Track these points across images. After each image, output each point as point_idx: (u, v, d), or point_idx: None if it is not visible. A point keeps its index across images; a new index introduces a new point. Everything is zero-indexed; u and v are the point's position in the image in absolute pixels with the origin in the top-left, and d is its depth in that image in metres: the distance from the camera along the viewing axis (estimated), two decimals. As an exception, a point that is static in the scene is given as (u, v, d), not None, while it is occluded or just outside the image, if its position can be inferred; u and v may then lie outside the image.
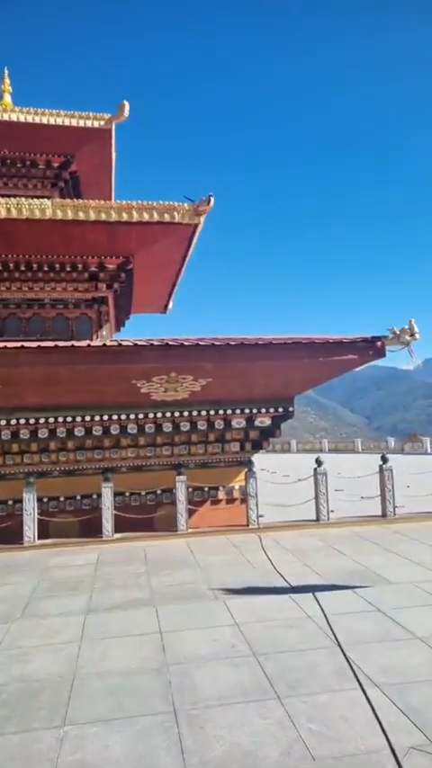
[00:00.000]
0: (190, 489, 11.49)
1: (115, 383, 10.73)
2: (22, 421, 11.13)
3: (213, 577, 7.83)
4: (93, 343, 10.89)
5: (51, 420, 11.22)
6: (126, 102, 15.36)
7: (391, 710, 4.08)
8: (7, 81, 17.32)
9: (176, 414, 11.69)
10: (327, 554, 9.04)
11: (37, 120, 14.95)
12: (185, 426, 11.91)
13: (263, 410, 12.11)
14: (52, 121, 14.96)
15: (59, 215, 12.57)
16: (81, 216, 12.67)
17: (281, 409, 12.21)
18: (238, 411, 12.00)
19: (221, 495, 12.35)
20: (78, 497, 11.71)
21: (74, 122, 15.08)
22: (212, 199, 13.10)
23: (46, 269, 14.47)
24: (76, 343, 10.29)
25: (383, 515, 11.85)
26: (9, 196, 13.24)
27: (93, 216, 12.69)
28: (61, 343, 10.23)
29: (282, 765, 3.52)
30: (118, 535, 10.69)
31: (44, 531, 10.84)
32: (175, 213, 13.05)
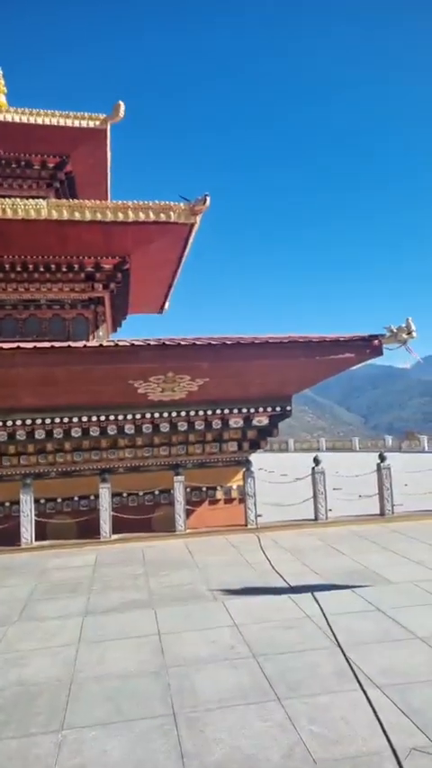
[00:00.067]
0: (188, 489, 11.46)
1: (112, 383, 10.68)
2: (19, 422, 11.07)
3: (212, 578, 7.79)
4: (89, 344, 10.84)
5: (48, 421, 11.16)
6: (121, 103, 15.31)
7: (392, 711, 4.05)
8: (1, 81, 17.22)
9: (174, 414, 11.65)
10: (325, 553, 9.01)
11: (32, 120, 14.90)
12: (183, 426, 11.87)
13: (260, 409, 12.08)
14: (47, 122, 14.91)
15: (55, 215, 12.52)
16: (77, 216, 12.62)
17: (278, 408, 12.18)
18: (235, 410, 11.96)
19: (219, 494, 12.32)
20: (76, 498, 11.66)
21: (69, 123, 15.03)
22: (208, 198, 13.07)
23: (42, 269, 14.40)
24: (72, 344, 10.24)
25: (382, 514, 11.84)
26: (4, 197, 13.18)
27: (88, 216, 12.65)
28: (57, 344, 10.18)
29: (282, 768, 3.48)
30: (116, 536, 10.65)
31: (41, 533, 10.79)
32: (171, 213, 13.00)
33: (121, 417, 11.43)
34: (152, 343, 10.28)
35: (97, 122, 15.16)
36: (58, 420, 11.19)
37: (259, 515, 11.54)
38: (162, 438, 12.00)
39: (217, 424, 12.03)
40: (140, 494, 11.88)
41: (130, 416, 11.47)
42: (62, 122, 14.96)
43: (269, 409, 12.14)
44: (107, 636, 5.82)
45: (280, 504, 12.43)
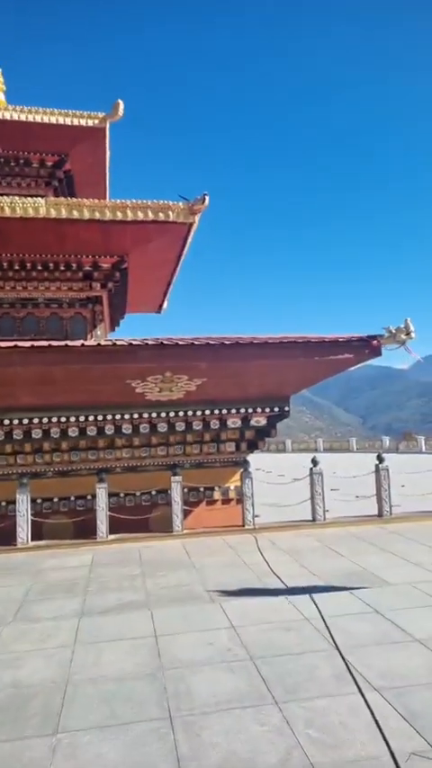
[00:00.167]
0: (185, 490, 11.42)
1: (110, 383, 10.64)
2: (16, 421, 11.01)
3: (209, 579, 7.75)
4: (87, 343, 10.79)
5: (45, 420, 11.11)
6: (120, 101, 15.27)
7: (390, 715, 4.01)
8: (1, 79, 17.19)
9: (171, 414, 11.60)
10: (323, 555, 8.97)
11: (30, 118, 14.84)
12: (180, 426, 11.82)
13: (258, 410, 12.04)
14: (46, 120, 14.85)
15: (53, 213, 12.47)
16: (75, 214, 12.58)
17: (276, 409, 12.14)
18: (233, 411, 11.92)
19: (217, 495, 12.28)
20: (72, 498, 11.61)
21: (68, 121, 14.98)
22: (207, 198, 13.04)
23: (40, 268, 14.36)
24: (69, 343, 10.20)
25: (380, 515, 11.80)
26: (3, 195, 13.13)
27: (87, 215, 12.61)
28: (55, 343, 10.14)
29: (280, 773, 3.44)
30: (113, 536, 10.59)
31: (38, 533, 10.73)
32: (170, 212, 12.97)
33: (118, 417, 11.38)
34: (150, 342, 10.24)
35: (96, 121, 15.11)
36: (55, 419, 11.13)
37: (257, 516, 11.50)
38: (159, 438, 11.95)
39: (215, 424, 11.99)
40: (138, 494, 11.83)
41: (127, 416, 11.42)
42: (61, 121, 14.91)
43: (267, 410, 12.10)
44: (103, 637, 5.77)
45: (277, 505, 12.40)
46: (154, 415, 11.55)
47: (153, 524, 11.28)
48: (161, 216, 12.96)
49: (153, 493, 11.84)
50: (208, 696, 4.40)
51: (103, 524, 10.60)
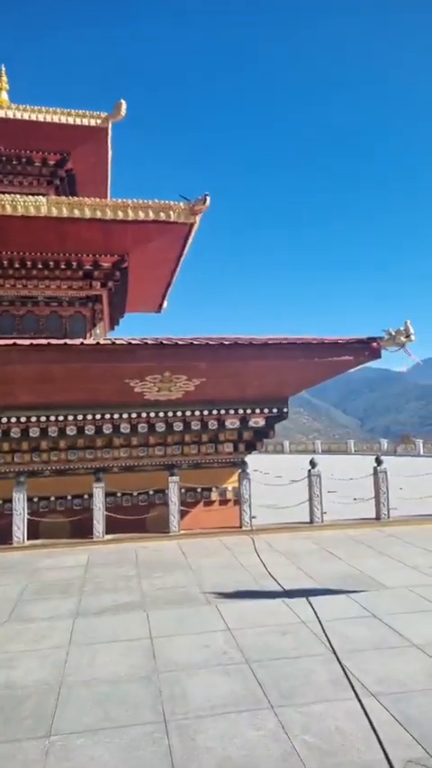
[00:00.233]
0: (182, 490, 11.37)
1: (108, 382, 10.60)
2: (13, 419, 10.97)
3: (205, 580, 7.70)
4: (86, 342, 10.77)
5: (43, 419, 11.07)
6: (123, 101, 15.26)
7: (388, 721, 3.97)
8: (4, 78, 17.17)
9: (170, 413, 11.57)
10: (321, 557, 8.93)
11: (33, 117, 14.84)
12: (179, 426, 11.78)
13: (257, 410, 12.01)
14: (48, 119, 14.85)
15: (54, 212, 12.45)
16: (76, 213, 12.56)
17: (275, 410, 12.11)
18: (231, 411, 11.89)
19: (214, 496, 12.25)
20: (69, 497, 11.57)
21: (70, 120, 14.97)
22: (208, 198, 13.02)
23: (40, 266, 14.34)
24: (69, 342, 10.16)
25: (378, 518, 11.76)
26: (4, 193, 13.10)
27: (88, 214, 12.59)
28: (54, 341, 10.11)
29: (275, 779, 3.40)
30: (109, 536, 10.54)
31: (34, 532, 10.68)
32: (171, 212, 12.95)
33: (116, 416, 11.34)
34: (149, 342, 10.20)
35: (99, 121, 15.11)
36: (53, 418, 11.09)
37: (254, 517, 11.44)
38: (157, 438, 11.91)
39: (213, 424, 11.95)
40: (135, 494, 11.79)
41: (125, 415, 11.38)
42: (64, 120, 14.91)
43: (266, 410, 12.06)
44: (98, 638, 5.72)
45: (275, 507, 12.37)
46: (152, 414, 11.51)
47: (150, 525, 11.23)
48: (162, 216, 12.94)
49: (150, 493, 11.80)
50: (203, 700, 4.36)
51: (99, 524, 10.56)
